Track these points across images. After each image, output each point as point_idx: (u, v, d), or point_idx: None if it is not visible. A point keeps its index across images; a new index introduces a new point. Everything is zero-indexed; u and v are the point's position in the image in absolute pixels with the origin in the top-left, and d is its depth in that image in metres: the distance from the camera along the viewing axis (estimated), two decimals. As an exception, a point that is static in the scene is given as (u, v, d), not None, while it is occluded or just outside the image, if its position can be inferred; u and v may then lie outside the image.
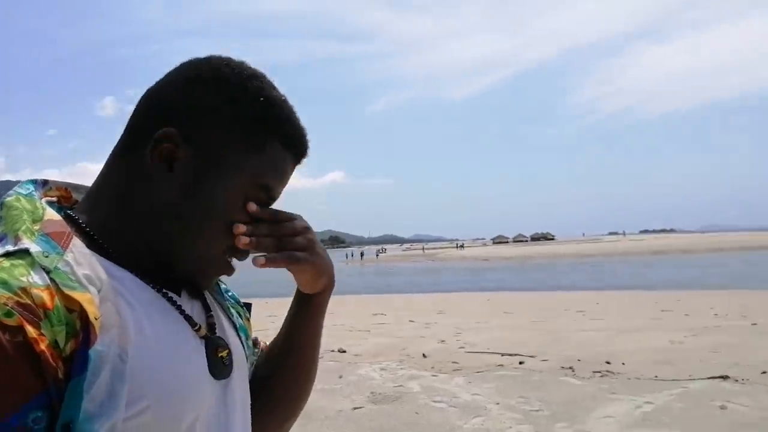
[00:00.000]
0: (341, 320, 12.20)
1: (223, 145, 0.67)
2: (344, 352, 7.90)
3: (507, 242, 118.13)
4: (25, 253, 0.53)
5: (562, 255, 53.10)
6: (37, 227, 0.57)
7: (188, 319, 0.66)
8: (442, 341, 8.60)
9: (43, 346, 0.49)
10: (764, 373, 5.62)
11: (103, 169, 0.71)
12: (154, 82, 0.71)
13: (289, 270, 0.75)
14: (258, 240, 0.70)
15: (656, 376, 5.69)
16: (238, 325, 0.81)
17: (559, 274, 31.53)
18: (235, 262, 0.73)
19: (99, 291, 0.55)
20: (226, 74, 0.68)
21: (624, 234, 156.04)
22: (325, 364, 7.20)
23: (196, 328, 0.67)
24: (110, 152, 0.71)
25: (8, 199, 0.60)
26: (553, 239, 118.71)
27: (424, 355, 7.37)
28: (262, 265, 0.71)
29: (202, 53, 0.72)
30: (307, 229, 0.75)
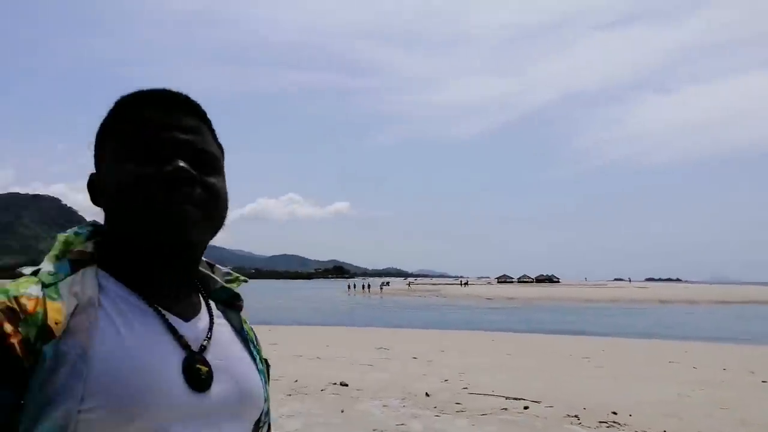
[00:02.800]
0: (343, 352, 12.09)
1: (103, 151, 0.78)
2: (346, 385, 7.81)
3: (512, 282, 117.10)
4: (39, 272, 0.71)
5: (566, 298, 52.46)
6: (65, 255, 0.74)
7: (173, 330, 0.73)
8: (446, 380, 8.48)
9: (14, 340, 0.62)
10: (775, 433, 5.50)
11: None
12: None
13: None
14: None
15: (665, 431, 5.57)
16: (258, 368, 0.84)
17: (563, 317, 31.13)
18: None
19: (78, 304, 0.68)
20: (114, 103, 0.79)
21: (629, 281, 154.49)
22: (326, 396, 7.11)
23: (180, 339, 0.73)
24: None
25: (61, 234, 0.76)
26: (558, 282, 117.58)
27: (427, 394, 7.26)
28: None
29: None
30: None
